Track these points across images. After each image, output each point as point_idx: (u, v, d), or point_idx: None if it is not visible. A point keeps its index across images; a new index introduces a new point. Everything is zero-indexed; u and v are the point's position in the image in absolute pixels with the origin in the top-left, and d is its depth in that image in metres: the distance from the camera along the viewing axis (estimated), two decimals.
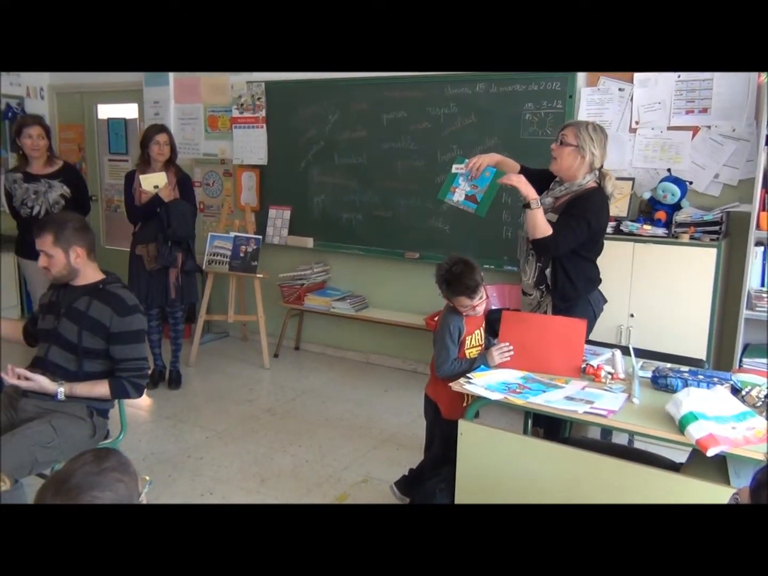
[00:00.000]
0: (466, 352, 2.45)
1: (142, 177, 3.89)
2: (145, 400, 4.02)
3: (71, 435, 2.25)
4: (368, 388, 4.29)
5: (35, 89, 5.94)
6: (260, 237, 4.64)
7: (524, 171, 2.90)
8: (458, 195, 2.82)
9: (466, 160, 2.81)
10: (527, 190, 2.57)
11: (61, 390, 2.27)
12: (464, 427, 2.17)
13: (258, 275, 4.53)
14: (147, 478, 1.22)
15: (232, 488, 2.94)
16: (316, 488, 2.97)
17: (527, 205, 2.57)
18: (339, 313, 4.55)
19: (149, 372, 2.47)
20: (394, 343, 4.70)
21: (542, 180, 2.81)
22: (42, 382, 2.25)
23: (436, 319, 4.13)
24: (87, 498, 1.07)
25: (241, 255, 4.56)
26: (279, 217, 4.87)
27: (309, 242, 4.77)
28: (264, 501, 2.84)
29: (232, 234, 4.63)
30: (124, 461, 1.17)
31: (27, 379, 2.25)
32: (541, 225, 2.57)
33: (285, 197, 4.86)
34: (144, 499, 1.19)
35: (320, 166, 4.67)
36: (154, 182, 3.87)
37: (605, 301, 2.86)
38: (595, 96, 3.77)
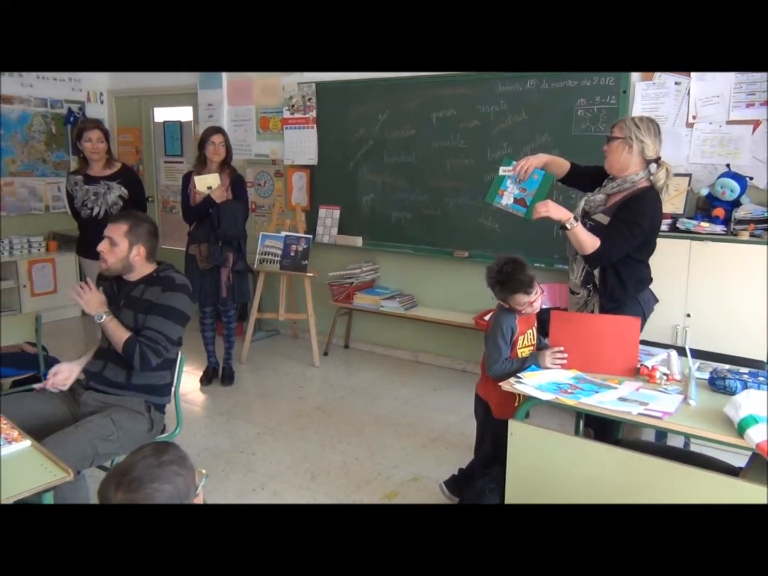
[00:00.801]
0: (518, 351, 2.43)
1: (196, 178, 3.98)
2: (199, 396, 4.12)
3: (130, 429, 2.32)
4: (417, 387, 4.30)
5: (95, 94, 6.15)
6: (310, 236, 4.69)
7: (574, 168, 2.85)
8: (507, 198, 2.79)
9: (513, 163, 2.78)
10: (558, 214, 2.52)
11: (104, 313, 2.39)
12: (515, 427, 2.15)
13: (308, 274, 4.58)
14: (203, 471, 1.26)
15: (283, 484, 2.99)
16: (365, 485, 2.99)
17: (564, 227, 2.52)
18: (388, 311, 4.57)
19: (164, 353, 2.40)
20: (442, 341, 4.69)
21: (596, 177, 2.76)
22: (95, 297, 2.42)
23: (486, 318, 4.11)
24: (147, 490, 1.11)
25: (292, 254, 4.62)
26: (329, 217, 4.91)
27: (358, 241, 4.80)
28: (314, 497, 2.88)
29: (283, 233, 4.69)
30: (182, 455, 1.21)
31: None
32: (585, 240, 2.52)
33: (335, 197, 4.90)
34: (201, 493, 1.22)
35: (369, 166, 4.70)
36: (207, 183, 3.96)
37: (656, 300, 2.78)
38: (650, 91, 3.68)
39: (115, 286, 2.53)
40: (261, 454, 3.29)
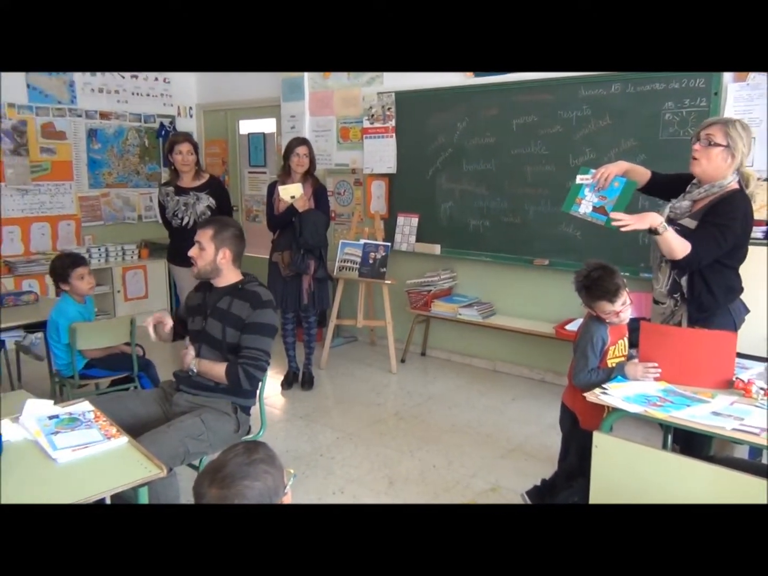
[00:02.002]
0: (609, 362, 2.37)
1: (280, 187, 4.10)
2: (279, 400, 4.22)
3: (218, 429, 2.41)
4: (495, 396, 4.25)
5: (185, 108, 6.44)
6: (389, 244, 4.74)
7: (655, 177, 2.76)
8: (585, 207, 2.73)
9: (592, 171, 2.72)
10: (644, 223, 2.41)
11: (194, 363, 2.50)
12: (600, 439, 2.10)
13: (386, 281, 4.63)
14: (291, 471, 1.29)
15: (362, 488, 3.02)
16: (443, 493, 2.98)
17: (654, 232, 2.43)
18: (466, 319, 4.55)
19: (266, 367, 2.51)
20: (521, 351, 4.62)
21: (677, 184, 2.66)
22: (189, 353, 2.53)
23: (567, 327, 4.03)
24: (239, 486, 1.15)
25: (371, 261, 4.68)
26: (407, 225, 4.95)
27: (436, 249, 4.81)
28: (393, 503, 2.89)
29: (362, 241, 4.76)
30: (271, 454, 1.25)
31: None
32: (676, 246, 2.41)
33: (413, 205, 4.93)
34: (289, 492, 1.26)
35: (448, 173, 4.70)
36: (291, 192, 4.07)
37: (747, 311, 2.64)
38: (744, 92, 3.51)
39: (204, 297, 2.64)
40: (340, 458, 3.33)
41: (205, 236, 2.54)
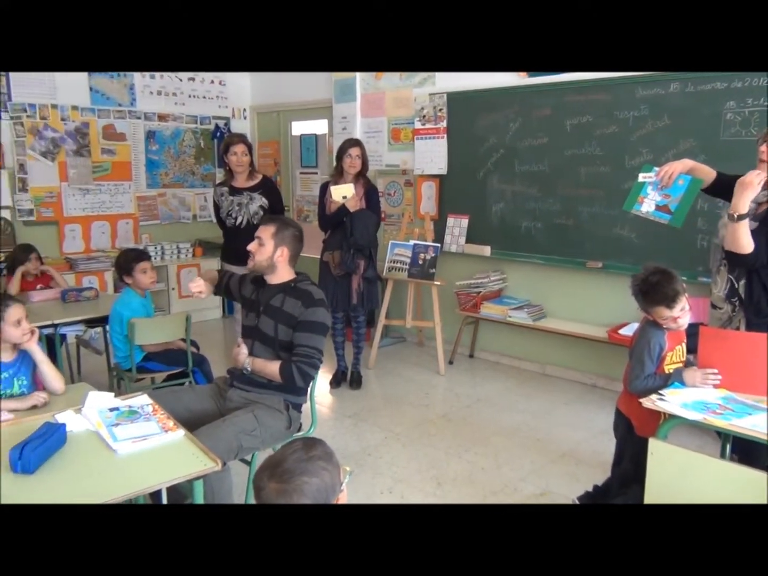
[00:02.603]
0: (666, 368, 2.31)
1: (332, 188, 4.14)
2: (328, 398, 4.26)
3: (270, 425, 2.46)
4: (545, 400, 4.20)
5: (239, 110, 6.57)
6: (438, 245, 4.73)
7: (720, 178, 2.68)
8: (647, 205, 2.68)
9: (655, 169, 2.66)
10: (743, 198, 2.36)
11: (248, 361, 2.54)
12: (656, 446, 2.05)
13: (435, 282, 4.62)
14: (347, 469, 1.31)
15: (410, 489, 3.03)
16: (492, 496, 2.96)
17: (738, 217, 2.35)
18: (515, 322, 4.51)
19: (319, 364, 2.55)
20: (572, 354, 4.55)
21: None
22: (242, 351, 2.57)
23: (621, 331, 3.95)
24: (297, 482, 1.17)
25: (420, 262, 4.68)
26: (457, 226, 4.93)
27: (486, 250, 4.78)
28: (442, 504, 2.89)
29: (412, 242, 4.76)
30: (328, 451, 1.27)
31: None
32: (742, 241, 2.35)
33: (463, 206, 4.91)
34: (345, 489, 1.28)
35: (500, 174, 4.67)
36: (342, 193, 4.10)
37: None
38: None
39: (257, 293, 2.68)
40: (388, 458, 3.35)
41: (266, 233, 2.59)
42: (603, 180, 4.14)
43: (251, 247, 2.61)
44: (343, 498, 1.27)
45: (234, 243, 4.26)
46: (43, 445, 1.86)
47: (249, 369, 2.54)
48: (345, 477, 1.29)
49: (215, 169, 6.47)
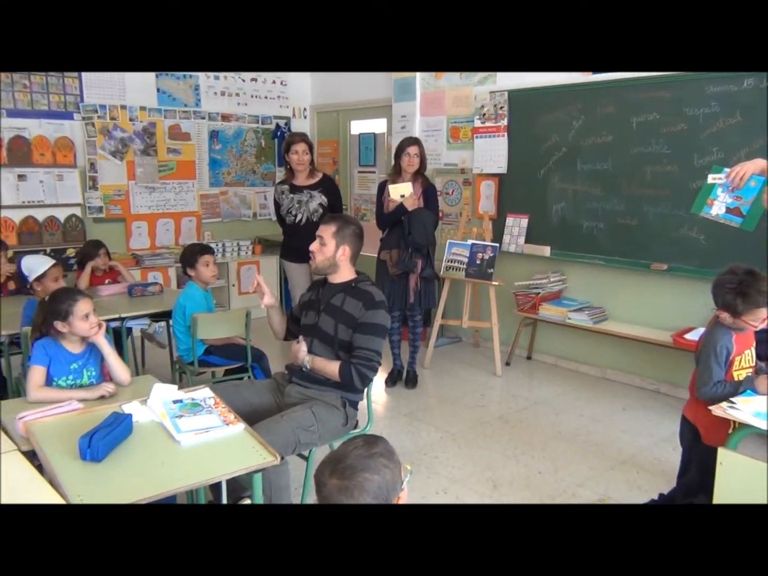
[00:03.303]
0: (735, 374, 2.22)
1: (390, 186, 4.14)
2: (383, 397, 4.27)
3: (327, 422, 2.47)
4: (604, 405, 4.10)
5: (300, 110, 6.65)
6: (497, 245, 4.68)
7: None
8: (717, 208, 2.58)
9: (725, 170, 2.56)
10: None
11: (307, 359, 2.56)
12: (725, 456, 1.97)
13: (493, 282, 4.57)
14: (408, 467, 1.30)
15: (465, 490, 3.00)
16: (549, 501, 2.91)
17: None
18: (575, 324, 4.41)
19: (378, 367, 2.55)
20: (634, 359, 4.43)
21: None
22: (302, 348, 2.58)
23: (686, 336, 3.82)
24: (359, 478, 1.17)
25: (478, 262, 4.64)
26: (516, 225, 4.86)
27: (546, 251, 4.69)
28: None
29: (470, 241, 4.72)
30: (390, 449, 1.27)
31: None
32: None
33: (523, 205, 4.84)
34: (406, 488, 1.27)
35: (561, 173, 4.58)
36: (400, 191, 4.10)
37: None
38: None
39: (318, 292, 2.70)
40: (443, 458, 3.33)
41: (327, 232, 2.61)
42: (670, 179, 4.00)
43: (313, 247, 2.63)
44: (404, 496, 1.26)
45: (293, 240, 4.33)
46: (110, 435, 1.93)
47: (308, 367, 2.56)
48: (406, 475, 1.28)
49: (275, 168, 6.58)
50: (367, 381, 2.53)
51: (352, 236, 2.63)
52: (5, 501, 1.43)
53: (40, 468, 1.90)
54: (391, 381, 4.44)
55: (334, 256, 2.60)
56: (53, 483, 1.79)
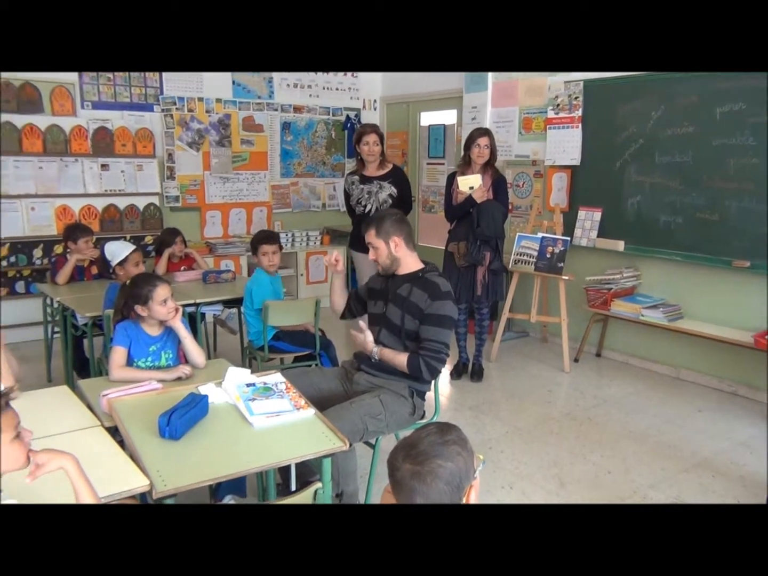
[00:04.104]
0: None
1: (459, 178, 4.11)
2: (448, 389, 4.26)
3: (395, 411, 2.49)
4: (678, 406, 3.96)
5: (370, 101, 6.68)
6: (568, 238, 4.58)
7: None
8: None
9: None
10: None
11: (375, 350, 2.56)
12: None
13: (564, 277, 4.48)
14: (481, 457, 1.30)
15: (532, 486, 2.97)
16: (619, 501, 2.84)
17: None
18: (649, 321, 4.28)
19: (446, 358, 2.56)
20: (711, 359, 4.26)
21: None
22: (367, 341, 2.58)
23: None
24: (432, 464, 1.18)
25: (548, 256, 4.56)
26: (588, 219, 4.75)
27: (620, 245, 4.56)
28: (565, 504, 2.81)
29: (540, 235, 4.64)
30: (463, 437, 1.27)
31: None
32: None
33: (596, 198, 4.71)
34: (478, 477, 1.27)
35: (637, 166, 4.43)
36: (469, 183, 4.07)
37: None
38: None
39: (386, 283, 2.72)
40: (509, 453, 3.30)
41: (371, 236, 2.65)
42: (755, 172, 3.82)
43: (371, 256, 2.66)
44: (476, 485, 1.26)
45: (362, 231, 4.34)
46: (188, 414, 2.00)
47: (377, 358, 2.57)
48: (478, 465, 1.28)
49: (345, 159, 6.64)
50: (435, 372, 2.53)
51: (393, 225, 2.62)
52: (91, 475, 1.49)
53: (121, 443, 2.00)
54: (457, 373, 4.42)
55: (390, 252, 2.61)
56: (134, 458, 1.88)
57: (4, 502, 1.37)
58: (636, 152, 4.43)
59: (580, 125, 4.72)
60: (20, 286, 5.00)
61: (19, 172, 4.89)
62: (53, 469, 1.42)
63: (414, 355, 2.52)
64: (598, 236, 4.68)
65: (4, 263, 4.89)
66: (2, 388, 1.46)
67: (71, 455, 1.46)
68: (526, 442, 3.43)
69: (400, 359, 2.53)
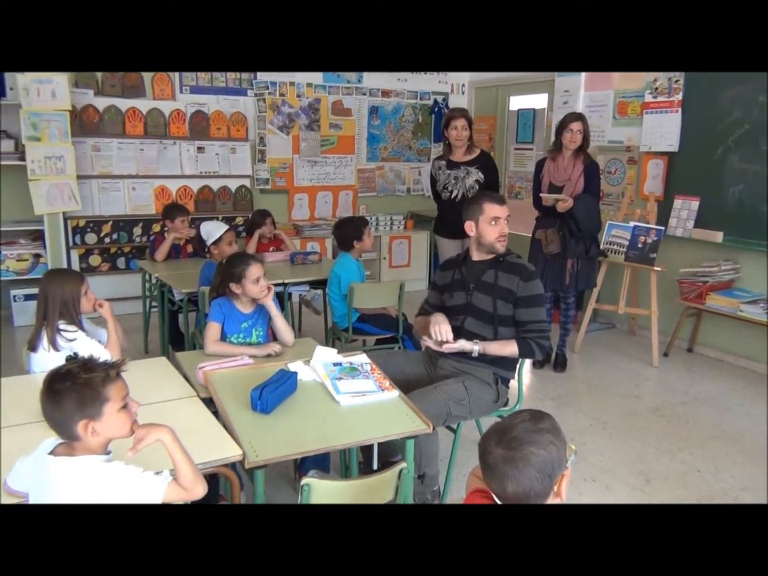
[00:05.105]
0: None
1: (543, 195, 4.03)
2: (531, 378, 4.20)
3: (479, 397, 2.49)
4: None
5: (458, 86, 6.62)
6: (662, 228, 4.40)
7: None
8: None
9: None
10: None
11: (476, 348, 2.52)
12: None
13: (656, 268, 4.31)
14: (573, 447, 1.29)
15: (615, 480, 2.90)
16: (707, 501, 2.74)
17: None
18: (747, 317, 4.06)
19: (549, 334, 2.58)
20: None
21: None
22: (462, 344, 2.53)
23: None
24: (525, 451, 1.18)
25: (639, 246, 4.40)
26: (685, 208, 4.54)
27: (718, 236, 4.34)
28: (649, 501, 2.73)
29: (632, 223, 4.48)
30: (557, 426, 1.26)
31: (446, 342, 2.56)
32: None
33: (694, 186, 4.50)
34: (569, 468, 1.26)
35: (741, 153, 4.19)
36: (554, 197, 3.98)
37: None
38: None
39: (462, 271, 2.69)
40: (592, 446, 3.23)
41: (467, 228, 2.65)
42: None
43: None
44: (567, 476, 1.25)
45: (448, 216, 4.34)
46: (278, 389, 2.07)
47: (477, 354, 2.53)
48: (570, 455, 1.27)
49: (431, 143, 6.61)
50: (545, 351, 2.58)
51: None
52: (188, 443, 1.57)
53: (215, 414, 2.09)
54: (539, 363, 4.35)
55: (480, 234, 2.61)
56: (227, 428, 1.97)
57: (111, 464, 1.47)
58: (740, 138, 4.19)
59: (679, 110, 4.51)
60: (121, 262, 5.29)
61: (122, 154, 5.16)
62: (152, 441, 1.52)
63: (522, 340, 2.53)
64: (695, 226, 4.47)
65: (107, 240, 5.18)
66: (114, 359, 1.56)
67: (167, 427, 1.55)
68: (611, 436, 3.35)
69: (510, 349, 2.53)
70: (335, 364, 2.35)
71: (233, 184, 5.60)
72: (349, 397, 2.14)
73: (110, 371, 1.47)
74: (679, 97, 4.49)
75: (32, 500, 1.49)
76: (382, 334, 3.70)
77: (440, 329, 2.48)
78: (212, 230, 3.83)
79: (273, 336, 2.76)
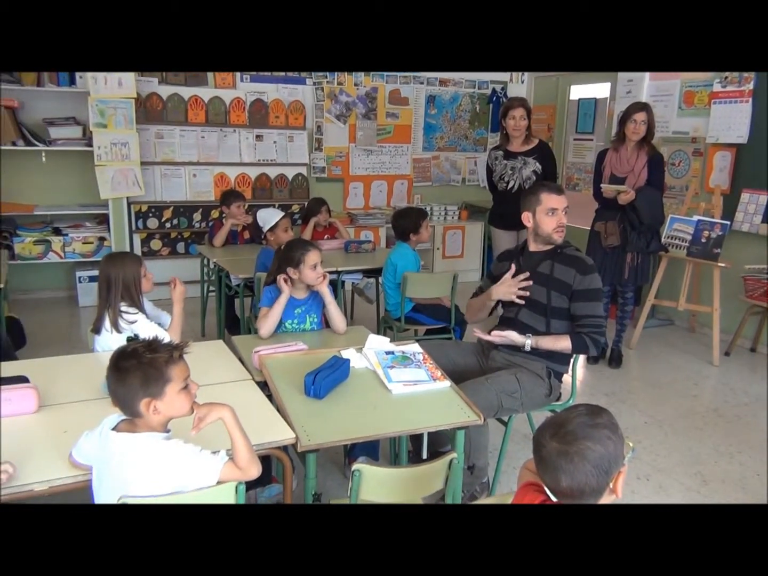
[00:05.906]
0: None
1: (603, 186, 3.94)
2: (584, 373, 4.13)
3: (531, 390, 2.46)
4: None
5: (517, 74, 6.51)
6: (728, 222, 4.24)
7: None
8: None
9: None
10: None
11: (528, 342, 2.49)
12: None
13: (719, 264, 4.17)
14: (631, 444, 1.27)
15: (670, 480, 2.83)
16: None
17: None
18: None
19: (605, 330, 2.53)
20: None
21: None
22: (512, 335, 2.50)
23: None
24: (580, 445, 1.16)
25: (703, 240, 4.26)
26: (753, 202, 4.37)
27: None
28: (704, 503, 2.66)
29: (696, 217, 4.34)
30: (614, 422, 1.24)
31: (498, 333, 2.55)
32: None
33: (763, 180, 4.32)
34: (626, 466, 1.24)
35: None
36: (615, 189, 3.88)
37: None
38: None
39: (519, 262, 2.66)
40: (647, 444, 3.16)
41: (524, 219, 2.63)
42: None
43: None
44: (624, 472, 1.23)
45: (503, 207, 4.29)
46: (331, 376, 2.10)
47: (529, 349, 2.51)
48: (628, 452, 1.25)
49: (488, 133, 6.54)
50: (599, 347, 2.53)
51: (528, 198, 2.61)
52: (243, 424, 1.61)
53: (269, 397, 2.14)
54: (593, 358, 4.27)
55: (537, 224, 2.57)
56: (281, 411, 2.00)
57: (170, 441, 1.52)
58: None
59: (750, 100, 4.33)
60: (181, 247, 5.43)
61: (184, 141, 5.28)
62: (213, 419, 1.57)
63: (576, 335, 2.48)
64: (764, 221, 4.29)
65: (168, 225, 5.33)
66: (177, 341, 1.61)
67: (229, 406, 1.59)
68: (666, 435, 3.27)
69: (563, 343, 2.48)
70: (387, 353, 2.36)
71: (290, 172, 5.67)
72: (401, 386, 2.15)
73: (174, 353, 1.52)
74: (750, 86, 4.31)
75: (95, 473, 1.55)
76: (434, 324, 3.69)
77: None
78: (268, 217, 3.89)
79: (326, 322, 2.79)
